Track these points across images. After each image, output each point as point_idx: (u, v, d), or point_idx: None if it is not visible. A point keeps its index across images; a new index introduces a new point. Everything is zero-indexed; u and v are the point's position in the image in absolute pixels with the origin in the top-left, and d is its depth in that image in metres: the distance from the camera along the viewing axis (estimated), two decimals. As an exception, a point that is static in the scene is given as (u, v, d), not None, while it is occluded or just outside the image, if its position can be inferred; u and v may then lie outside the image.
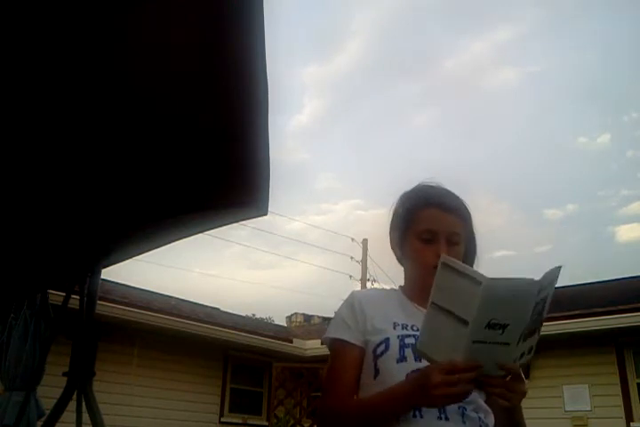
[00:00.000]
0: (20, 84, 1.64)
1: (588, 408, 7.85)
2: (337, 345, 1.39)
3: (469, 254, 1.44)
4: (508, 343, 1.03)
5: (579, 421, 7.83)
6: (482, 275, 1.02)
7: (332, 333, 1.40)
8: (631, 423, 7.49)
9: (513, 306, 1.01)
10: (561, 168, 38.32)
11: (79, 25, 1.46)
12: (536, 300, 1.02)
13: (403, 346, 1.31)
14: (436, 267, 1.34)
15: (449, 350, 1.06)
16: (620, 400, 7.67)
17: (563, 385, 8.03)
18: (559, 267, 1.05)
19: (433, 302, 1.12)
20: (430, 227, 1.38)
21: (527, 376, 8.67)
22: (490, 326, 1.01)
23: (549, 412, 7.88)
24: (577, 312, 7.95)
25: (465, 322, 1.02)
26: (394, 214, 1.49)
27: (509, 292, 1.00)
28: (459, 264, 1.08)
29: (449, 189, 1.46)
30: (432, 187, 1.46)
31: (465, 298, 1.02)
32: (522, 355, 1.09)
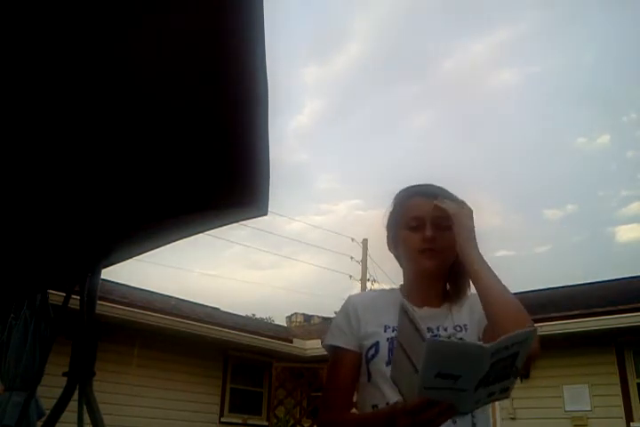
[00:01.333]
0: (18, 82, 1.64)
1: (588, 408, 7.85)
2: (333, 352, 1.43)
3: None
4: (464, 389, 1.00)
5: (579, 421, 7.83)
6: (426, 333, 1.00)
7: (329, 340, 1.45)
8: (631, 423, 7.50)
9: (461, 364, 0.98)
10: (561, 168, 38.34)
11: (79, 24, 1.46)
12: (493, 359, 0.98)
13: (391, 349, 1.33)
14: (420, 251, 1.36)
15: (411, 388, 1.06)
16: (620, 400, 7.67)
17: (563, 385, 8.03)
18: (534, 329, 1.02)
19: (398, 341, 1.12)
20: (415, 214, 1.40)
21: (527, 376, 8.61)
22: (440, 376, 0.98)
23: (549, 412, 7.88)
24: (577, 312, 7.95)
25: (417, 370, 1.01)
26: (387, 217, 1.52)
27: (453, 353, 0.98)
28: (413, 314, 1.05)
29: (440, 186, 1.48)
30: (418, 184, 1.50)
31: (415, 348, 1.01)
32: (492, 393, 1.05)
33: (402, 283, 1.51)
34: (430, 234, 1.36)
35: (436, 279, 1.42)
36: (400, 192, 1.50)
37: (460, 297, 1.42)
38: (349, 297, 1.49)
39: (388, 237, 1.51)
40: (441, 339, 1.01)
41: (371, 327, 1.38)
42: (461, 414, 1.07)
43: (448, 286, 1.45)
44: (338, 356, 1.40)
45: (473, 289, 1.43)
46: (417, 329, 1.02)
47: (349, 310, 1.43)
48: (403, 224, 1.42)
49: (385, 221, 1.51)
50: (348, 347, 1.39)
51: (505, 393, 1.06)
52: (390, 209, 1.50)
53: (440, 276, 1.42)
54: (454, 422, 1.24)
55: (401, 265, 1.49)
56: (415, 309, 1.40)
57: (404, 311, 1.08)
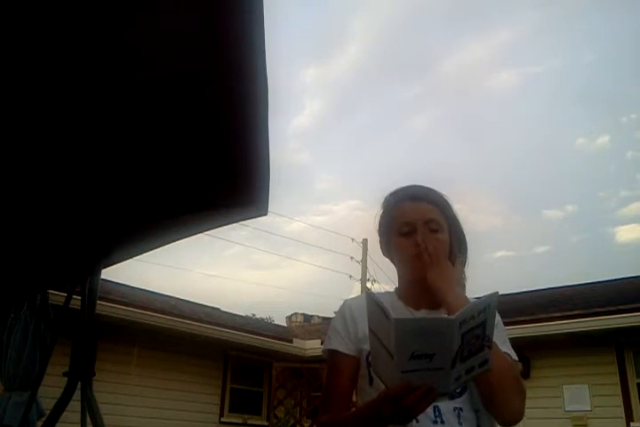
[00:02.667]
0: (19, 82, 1.64)
1: (588, 408, 7.85)
2: (331, 356, 1.43)
3: (456, 242, 1.43)
4: (441, 368, 1.01)
5: (579, 421, 7.83)
6: (390, 313, 1.01)
7: (326, 344, 1.45)
8: (631, 423, 7.49)
9: (430, 340, 0.99)
10: (561, 169, 38.34)
11: (79, 25, 1.46)
12: (462, 330, 0.99)
13: None
14: (415, 257, 1.36)
15: (391, 378, 1.07)
16: (619, 400, 7.67)
17: (563, 385, 8.03)
18: (495, 293, 1.03)
19: (371, 330, 1.12)
20: (405, 219, 1.40)
21: (527, 376, 8.59)
22: (414, 357, 0.99)
23: (549, 412, 7.88)
24: (577, 312, 7.95)
25: (391, 355, 1.02)
26: (378, 222, 1.51)
27: (420, 329, 0.99)
28: (379, 299, 1.06)
29: (427, 186, 1.47)
30: (405, 186, 1.48)
31: (387, 332, 1.02)
32: (471, 369, 1.05)
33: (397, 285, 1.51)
34: (422, 239, 1.35)
35: None
36: (388, 196, 1.49)
37: None
38: (345, 301, 1.49)
39: (380, 242, 1.50)
40: (406, 317, 1.03)
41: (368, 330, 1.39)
42: (442, 395, 1.07)
43: None
44: (336, 360, 1.41)
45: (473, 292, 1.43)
46: (384, 312, 1.03)
47: (345, 313, 1.44)
48: (394, 231, 1.42)
49: (376, 226, 1.51)
50: (345, 351, 1.39)
51: (485, 366, 1.07)
52: (380, 214, 1.50)
53: None
54: (460, 423, 1.25)
55: (396, 268, 1.49)
56: (413, 311, 1.40)
57: (370, 298, 1.09)
